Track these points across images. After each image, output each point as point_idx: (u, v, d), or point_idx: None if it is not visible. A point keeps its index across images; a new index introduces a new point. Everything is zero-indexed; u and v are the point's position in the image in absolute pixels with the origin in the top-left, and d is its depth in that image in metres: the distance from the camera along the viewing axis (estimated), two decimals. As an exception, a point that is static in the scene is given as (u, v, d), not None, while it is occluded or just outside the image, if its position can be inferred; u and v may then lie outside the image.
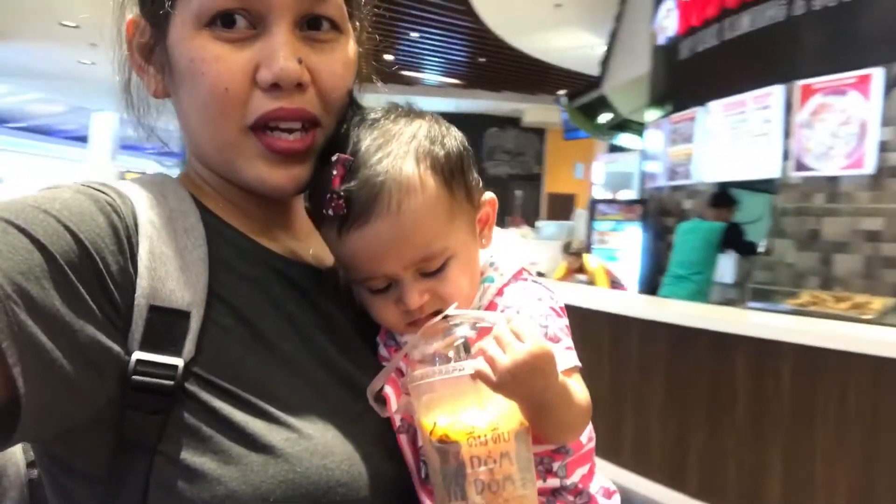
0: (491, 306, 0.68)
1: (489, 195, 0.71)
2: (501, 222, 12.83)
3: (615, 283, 6.19)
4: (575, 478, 0.64)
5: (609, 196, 9.46)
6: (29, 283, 0.47)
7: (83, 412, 0.51)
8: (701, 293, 4.93)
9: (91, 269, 0.52)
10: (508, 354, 0.54)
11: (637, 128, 8.46)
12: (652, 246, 6.46)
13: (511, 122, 16.90)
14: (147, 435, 0.52)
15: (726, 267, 5.21)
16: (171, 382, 0.53)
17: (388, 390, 0.62)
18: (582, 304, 3.95)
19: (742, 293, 4.66)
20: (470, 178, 0.67)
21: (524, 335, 0.55)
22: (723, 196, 5.15)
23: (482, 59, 12.34)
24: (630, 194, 8.56)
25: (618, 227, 7.04)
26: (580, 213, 8.26)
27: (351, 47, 0.65)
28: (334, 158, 0.61)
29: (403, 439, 0.63)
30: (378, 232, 0.60)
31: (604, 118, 9.63)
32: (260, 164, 0.61)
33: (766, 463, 2.93)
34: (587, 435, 0.66)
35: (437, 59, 12.98)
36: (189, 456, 0.53)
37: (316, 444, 0.56)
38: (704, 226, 5.03)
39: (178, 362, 0.53)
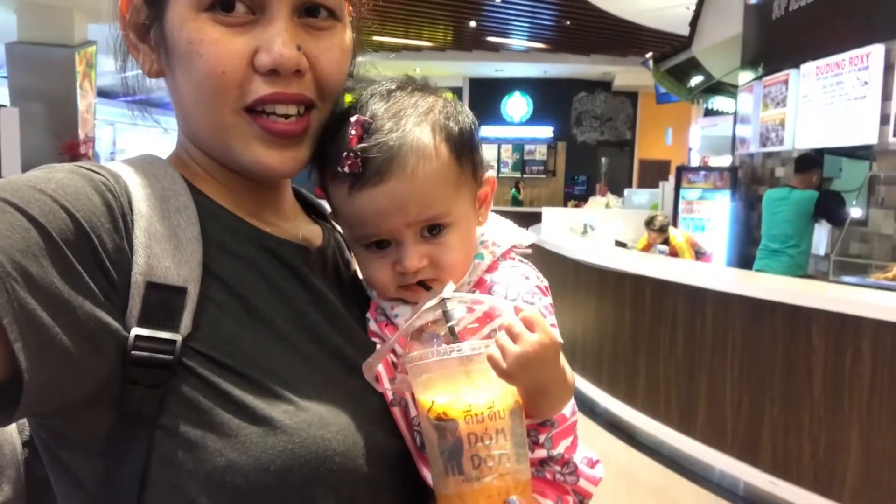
0: (480, 282, 0.71)
1: (490, 174, 0.74)
2: (592, 190, 12.53)
3: (700, 255, 6.03)
4: (560, 449, 0.67)
5: (705, 162, 9.12)
6: (28, 261, 0.48)
7: (83, 387, 0.52)
8: (798, 266, 4.70)
9: (87, 248, 0.52)
10: (519, 345, 0.57)
11: (731, 91, 8.08)
12: (742, 216, 6.23)
13: (601, 85, 16.41)
14: (147, 409, 0.54)
15: (819, 238, 4.97)
16: (171, 357, 0.54)
17: (380, 367, 0.64)
18: (657, 275, 3.93)
19: (829, 266, 4.45)
20: (477, 155, 0.71)
21: (535, 324, 0.58)
22: (806, 159, 4.84)
23: (568, 22, 12.04)
24: (728, 160, 8.23)
25: (706, 195, 6.81)
26: (664, 183, 8.00)
27: (347, 35, 0.66)
28: (353, 119, 0.63)
29: (397, 412, 0.66)
30: (391, 191, 0.63)
31: (695, 81, 9.23)
32: (256, 145, 0.62)
33: (844, 441, 2.87)
34: (570, 408, 0.69)
35: (522, 24, 12.78)
36: (189, 429, 0.54)
37: (312, 415, 0.57)
38: (796, 195, 4.74)
39: (177, 337, 0.55)
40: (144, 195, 0.58)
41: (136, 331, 0.54)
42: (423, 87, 0.71)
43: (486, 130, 16.68)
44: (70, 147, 7.03)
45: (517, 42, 14.12)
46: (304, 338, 0.63)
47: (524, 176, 16.74)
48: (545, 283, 0.73)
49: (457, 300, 0.61)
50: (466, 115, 0.71)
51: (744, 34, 6.44)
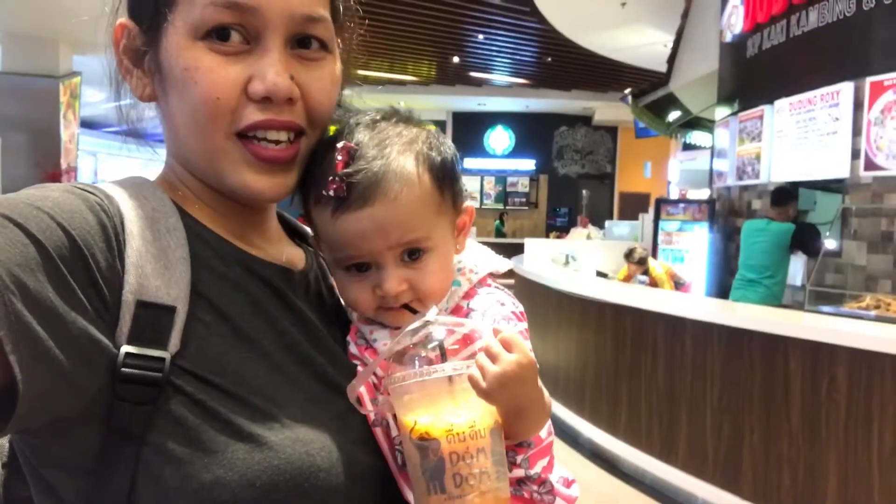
0: (457, 309, 0.73)
1: (469, 205, 0.77)
2: (574, 222, 12.53)
3: (679, 285, 6.11)
4: (537, 468, 0.68)
5: (683, 195, 9.28)
6: (25, 275, 0.49)
7: (74, 402, 0.53)
8: (774, 297, 4.76)
9: (81, 265, 0.53)
10: (498, 364, 0.58)
11: (708, 125, 8.28)
12: (721, 247, 6.34)
13: (582, 120, 16.72)
14: (135, 426, 0.54)
15: (795, 269, 5.07)
16: (159, 374, 0.55)
17: (362, 389, 0.66)
18: (638, 305, 3.98)
19: (805, 296, 4.54)
20: (457, 184, 0.73)
21: (513, 345, 0.59)
22: (782, 192, 4.94)
23: (549, 59, 12.32)
24: (707, 193, 8.39)
25: (685, 227, 6.93)
26: (643, 215, 8.12)
27: (337, 66, 0.69)
28: (339, 145, 0.65)
29: (378, 432, 0.67)
30: (373, 214, 0.65)
31: (673, 116, 9.45)
32: (245, 170, 0.64)
33: (822, 468, 2.90)
34: (546, 430, 0.70)
35: (504, 60, 13.04)
36: (176, 445, 0.55)
37: (297, 432, 0.59)
38: (774, 226, 4.83)
39: (165, 355, 0.56)
40: (135, 216, 0.60)
41: (125, 348, 0.55)
42: (407, 118, 0.73)
43: (469, 163, 16.85)
44: (52, 177, 7.01)
45: (499, 77, 14.38)
46: (289, 358, 0.64)
47: (507, 207, 16.89)
48: (520, 308, 0.75)
49: (439, 323, 0.63)
50: (448, 147, 0.73)
51: (720, 71, 6.63)
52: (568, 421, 4.65)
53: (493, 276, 0.78)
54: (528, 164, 16.98)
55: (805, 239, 4.74)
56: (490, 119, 16.93)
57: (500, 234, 15.69)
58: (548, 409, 0.68)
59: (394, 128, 0.70)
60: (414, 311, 0.69)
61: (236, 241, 0.68)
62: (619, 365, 4.16)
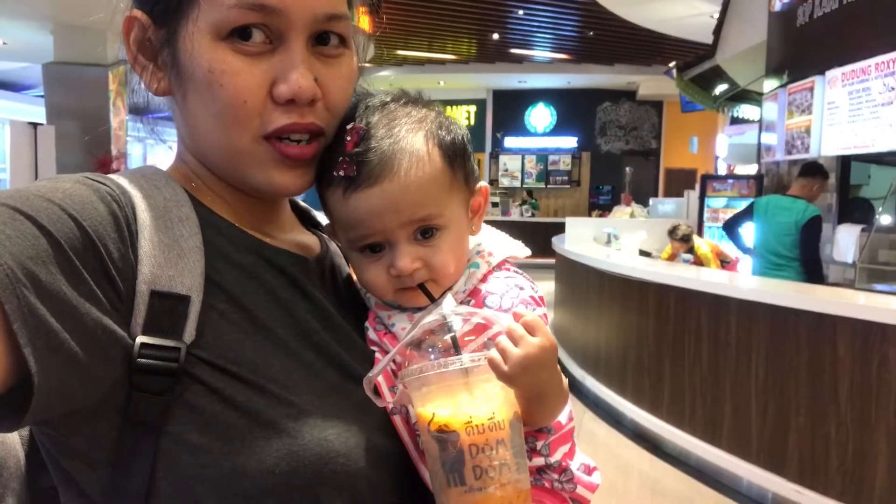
0: (474, 292, 0.73)
1: (483, 184, 0.76)
2: (617, 200, 12.35)
3: (725, 264, 5.98)
4: (557, 456, 0.68)
5: (731, 171, 9.04)
6: (37, 268, 0.49)
7: (90, 394, 0.53)
8: (801, 281, 4.43)
9: (94, 256, 0.53)
10: (521, 347, 0.58)
11: (757, 99, 8.01)
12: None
13: (626, 95, 16.34)
14: (153, 416, 0.55)
15: (847, 246, 4.91)
16: (175, 364, 0.55)
17: (380, 379, 0.66)
18: (681, 284, 3.92)
19: (856, 274, 4.38)
20: (469, 165, 0.73)
21: (536, 328, 0.59)
22: (814, 167, 4.60)
23: (591, 33, 12.07)
24: (755, 168, 8.14)
25: (731, 203, 6.76)
26: (688, 192, 7.93)
27: (354, 61, 0.69)
28: (349, 127, 0.66)
29: (397, 420, 0.67)
30: (384, 192, 0.65)
31: (719, 89, 9.17)
32: (271, 169, 0.65)
33: (871, 449, 2.84)
34: (566, 415, 0.70)
35: (545, 35, 12.82)
36: (194, 435, 0.55)
37: (315, 419, 0.59)
38: (800, 205, 4.45)
39: (181, 345, 0.56)
40: (147, 206, 0.60)
41: (141, 339, 0.55)
42: (416, 99, 0.73)
43: (510, 142, 16.72)
44: (103, 163, 7.22)
45: (540, 53, 14.16)
46: (305, 345, 0.64)
47: (549, 186, 16.71)
48: (539, 293, 0.75)
49: (454, 314, 0.63)
50: (458, 127, 0.74)
51: (768, 42, 6.40)
52: (610, 402, 4.63)
53: (511, 261, 0.78)
54: (570, 142, 16.73)
55: (811, 234, 4.40)
56: (531, 96, 16.71)
57: (535, 208, 15.52)
58: (566, 394, 0.68)
59: (403, 108, 0.70)
60: (429, 293, 0.69)
61: (250, 231, 0.69)
62: (663, 345, 4.12)
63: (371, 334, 0.73)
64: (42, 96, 8.06)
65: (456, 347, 0.61)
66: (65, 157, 6.91)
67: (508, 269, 0.76)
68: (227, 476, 0.55)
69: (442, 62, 14.68)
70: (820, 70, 5.20)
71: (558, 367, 0.64)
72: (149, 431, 0.55)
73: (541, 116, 16.91)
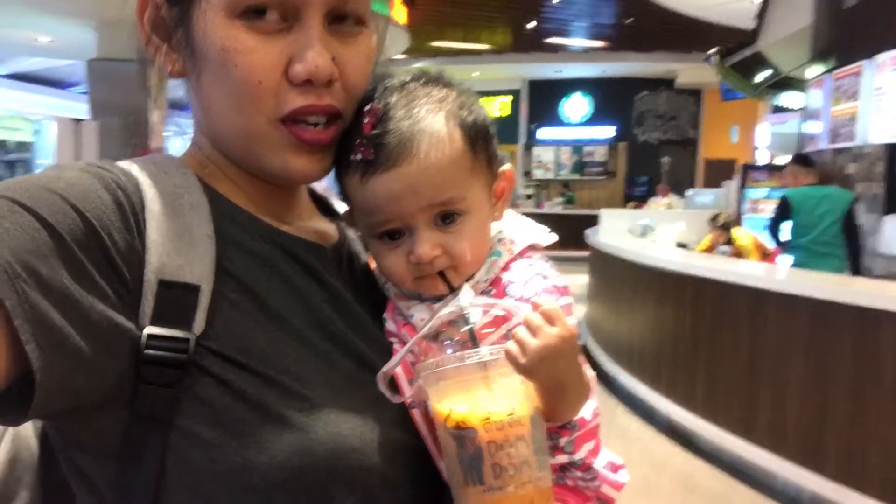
0: (496, 281, 0.70)
1: (507, 168, 0.73)
2: (651, 191, 12.23)
3: (767, 256, 5.83)
4: (582, 453, 0.65)
5: (771, 161, 8.81)
6: (38, 262, 0.48)
7: (96, 388, 0.52)
8: (844, 269, 4.52)
9: (98, 247, 0.52)
10: (539, 338, 0.56)
11: (800, 86, 7.78)
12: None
13: (664, 83, 16.03)
14: (161, 409, 0.53)
15: (892, 236, 4.73)
16: (184, 355, 0.54)
17: (399, 370, 0.63)
18: (718, 277, 3.83)
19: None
20: (491, 147, 0.70)
21: (555, 318, 0.57)
22: (806, 158, 4.75)
23: (629, 20, 11.85)
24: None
25: (773, 194, 6.57)
26: (728, 183, 7.75)
27: (373, 40, 0.66)
28: (366, 108, 0.64)
29: (416, 413, 0.64)
30: (403, 174, 0.63)
31: (761, 76, 8.93)
32: (288, 153, 0.62)
33: (916, 449, 2.74)
34: (592, 410, 0.67)
35: (581, 24, 12.65)
36: (204, 429, 0.54)
37: (328, 412, 0.57)
38: (837, 193, 4.59)
39: (190, 336, 0.54)
40: (156, 192, 0.58)
41: (149, 329, 0.53)
42: (436, 79, 0.69)
43: (544, 133, 16.56)
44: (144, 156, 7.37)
45: (577, 42, 13.98)
46: (320, 336, 0.62)
47: (583, 178, 16.51)
48: (563, 282, 0.72)
49: (472, 305, 0.61)
50: (481, 108, 0.70)
51: (813, 26, 6.19)
52: (643, 396, 4.57)
53: (535, 248, 0.75)
54: (607, 132, 16.48)
55: (857, 218, 4.50)
56: (567, 86, 16.49)
57: (570, 201, 15.37)
58: (588, 387, 0.65)
59: (423, 88, 0.67)
60: (448, 282, 0.66)
61: (266, 218, 0.67)
62: (698, 339, 4.04)
63: (389, 325, 0.71)
64: (85, 93, 8.26)
65: (473, 340, 0.59)
66: (107, 152, 7.09)
67: (531, 258, 0.73)
68: (236, 471, 0.54)
69: (477, 52, 14.60)
70: (868, 54, 5.02)
71: (580, 359, 0.61)
72: (157, 425, 0.54)
73: (576, 106, 16.69)
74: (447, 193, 0.65)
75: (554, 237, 0.77)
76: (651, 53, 14.30)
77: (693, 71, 14.18)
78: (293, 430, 0.55)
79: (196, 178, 0.63)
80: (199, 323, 0.56)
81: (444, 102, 0.67)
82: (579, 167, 16.61)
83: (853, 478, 2.96)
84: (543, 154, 16.60)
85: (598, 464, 0.67)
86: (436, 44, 13.15)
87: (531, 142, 16.63)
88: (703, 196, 8.72)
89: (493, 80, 16.02)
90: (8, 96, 12.27)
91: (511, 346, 0.57)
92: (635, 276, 4.92)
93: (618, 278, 5.40)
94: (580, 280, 6.93)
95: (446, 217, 0.66)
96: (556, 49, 14.45)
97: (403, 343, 0.67)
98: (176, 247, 0.57)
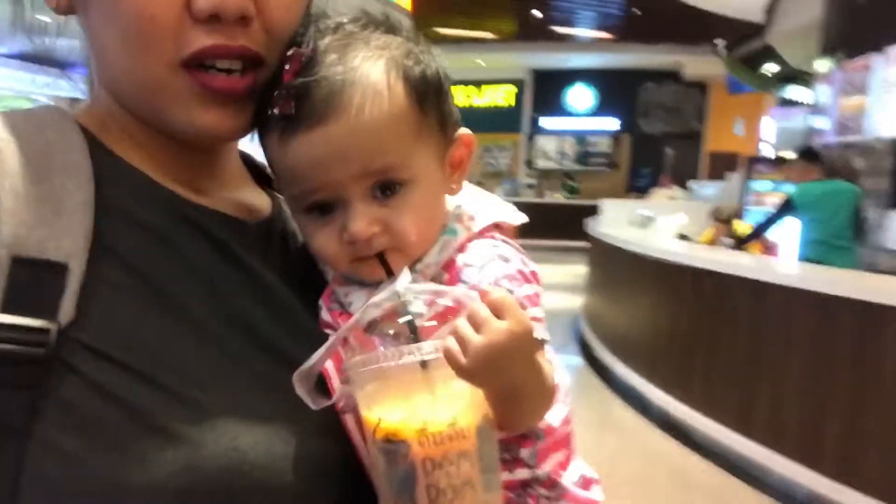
0: (450, 264, 0.59)
1: (466, 132, 0.62)
2: (653, 182, 12.20)
3: (768, 250, 5.76)
4: (547, 466, 0.57)
5: (777, 154, 8.72)
6: None
7: None
8: (856, 262, 4.52)
9: None
10: (484, 334, 0.46)
11: (808, 80, 7.68)
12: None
13: (670, 76, 15.92)
14: (14, 415, 0.44)
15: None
16: (43, 350, 0.44)
17: (330, 369, 0.53)
18: (718, 269, 3.77)
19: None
20: (445, 106, 0.60)
21: (504, 310, 0.46)
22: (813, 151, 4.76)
23: (636, 11, 11.73)
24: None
25: (778, 187, 6.50)
26: (731, 175, 7.69)
27: None
28: (290, 52, 0.53)
29: (350, 419, 0.54)
30: (329, 135, 0.52)
31: (769, 69, 8.82)
32: (192, 105, 0.53)
33: (917, 448, 2.67)
34: (561, 417, 0.58)
35: (587, 13, 12.52)
36: (68, 439, 0.44)
37: (226, 421, 0.48)
38: (846, 186, 4.62)
39: (52, 326, 0.45)
40: (15, 150, 0.48)
41: None
42: (381, 21, 0.58)
43: (548, 122, 16.47)
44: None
45: (583, 32, 13.85)
46: (227, 328, 0.53)
47: (586, 168, 16.42)
48: (531, 268, 0.61)
49: (413, 293, 0.50)
50: (434, 59, 0.59)
51: (823, 18, 6.09)
52: (641, 389, 4.52)
53: (501, 229, 0.64)
54: (610, 123, 16.39)
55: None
56: (571, 76, 16.38)
57: (573, 191, 15.32)
58: (551, 391, 0.54)
59: (363, 32, 0.56)
60: (387, 266, 0.56)
61: (172, 185, 0.56)
62: (696, 331, 3.98)
63: (324, 314, 0.61)
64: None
65: (414, 334, 0.49)
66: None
67: (494, 237, 0.62)
68: (106, 491, 0.44)
69: (482, 41, 14.47)
70: (878, 47, 4.92)
71: (538, 357, 0.51)
72: (11, 435, 0.44)
73: (581, 97, 16.59)
74: (384, 159, 0.55)
75: (523, 217, 0.66)
76: (658, 45, 14.17)
77: (700, 64, 14.05)
78: (179, 444, 0.46)
79: (81, 136, 0.53)
80: (67, 310, 0.46)
81: (386, 49, 0.56)
82: (583, 158, 16.52)
83: (850, 475, 2.91)
84: (546, 144, 16.50)
85: (568, 479, 0.58)
86: (440, 30, 13.04)
87: (535, 131, 16.54)
88: (707, 188, 8.65)
89: (497, 69, 15.91)
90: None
91: (450, 342, 0.46)
92: (634, 267, 4.86)
93: (617, 269, 5.35)
94: (580, 271, 6.88)
95: (386, 188, 0.56)
96: (561, 38, 14.33)
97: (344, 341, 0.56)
98: (37, 216, 0.47)
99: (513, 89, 16.61)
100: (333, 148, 0.53)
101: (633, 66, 15.65)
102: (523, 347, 0.48)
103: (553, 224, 12.00)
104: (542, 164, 16.43)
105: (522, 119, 16.54)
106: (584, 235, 6.87)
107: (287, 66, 0.53)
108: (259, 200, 0.65)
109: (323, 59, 0.54)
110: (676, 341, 4.20)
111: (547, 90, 16.34)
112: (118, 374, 0.46)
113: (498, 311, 0.46)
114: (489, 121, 15.26)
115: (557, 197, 14.68)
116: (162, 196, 0.55)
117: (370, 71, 0.54)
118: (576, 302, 6.91)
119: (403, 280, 0.51)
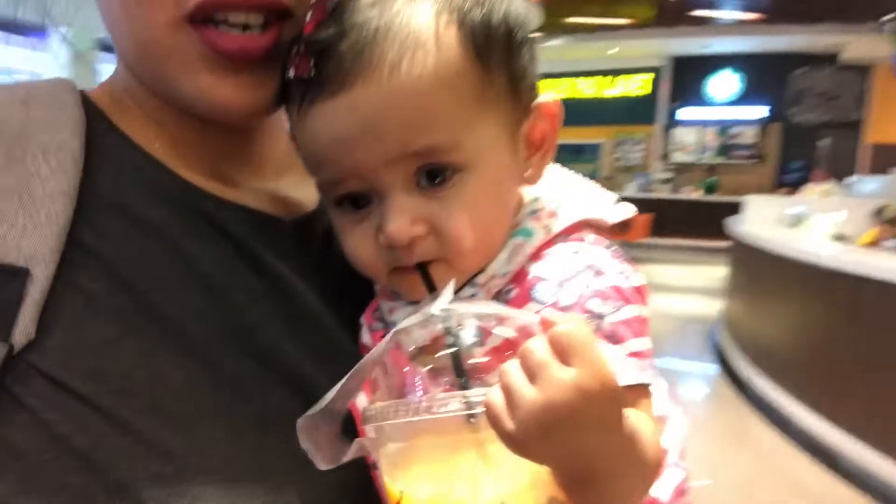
0: (520, 276, 0.46)
1: (548, 98, 0.48)
2: (805, 177, 11.37)
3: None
4: None
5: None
6: None
7: None
8: None
9: None
10: (540, 388, 0.33)
11: None
12: None
13: (826, 59, 14.63)
14: None
15: None
16: None
17: (363, 403, 0.40)
18: (882, 276, 3.37)
19: None
20: (521, 62, 0.45)
21: (573, 351, 0.33)
22: None
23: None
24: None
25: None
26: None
27: None
28: (314, 0, 0.43)
29: (382, 477, 0.41)
30: (356, 105, 0.40)
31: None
32: (202, 71, 0.43)
33: None
34: (673, 487, 0.44)
35: (733, -5, 11.73)
36: (8, 491, 0.36)
37: (204, 479, 0.38)
38: None
39: (2, 348, 0.37)
40: None
41: None
42: None
43: (685, 113, 15.66)
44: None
45: (727, 14, 13.01)
46: (231, 349, 0.42)
47: (727, 162, 15.46)
48: (635, 282, 0.46)
49: (458, 314, 0.37)
50: (511, 2, 0.45)
51: None
52: (783, 405, 4.15)
53: (593, 227, 0.49)
54: (757, 112, 15.31)
55: None
56: (714, 63, 15.46)
57: (710, 188, 14.45)
58: (655, 461, 0.39)
59: None
60: (429, 279, 0.43)
61: (195, 175, 0.47)
62: (853, 345, 3.59)
63: (364, 334, 0.49)
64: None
65: (460, 373, 0.36)
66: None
67: (582, 241, 0.47)
68: None
69: (615, 28, 13.98)
70: None
71: (633, 417, 0.36)
72: None
73: (724, 84, 15.65)
74: (431, 136, 0.41)
75: (627, 211, 0.50)
76: (813, 25, 13.04)
77: (862, 45, 12.81)
78: None
79: (81, 113, 0.45)
80: (25, 327, 0.37)
81: None
82: (725, 150, 15.57)
83: None
84: (685, 136, 15.70)
85: None
86: (571, 20, 12.73)
87: (671, 122, 15.80)
88: (868, 184, 7.83)
89: (631, 58, 15.39)
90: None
91: (494, 397, 0.33)
92: (782, 271, 4.48)
93: (761, 272, 4.98)
94: (718, 273, 6.49)
95: (434, 175, 0.43)
96: (702, 22, 13.55)
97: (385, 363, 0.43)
98: None
99: (649, 78, 15.98)
100: (361, 120, 0.40)
101: (784, 49, 14.55)
102: (601, 408, 0.33)
103: (690, 222, 11.43)
104: (679, 157, 15.68)
105: (657, 110, 15.90)
106: (724, 234, 6.49)
107: (309, 16, 0.41)
108: (304, 193, 0.54)
109: (356, 3, 0.42)
110: (829, 356, 3.82)
111: (686, 78, 15.60)
112: (77, 411, 0.37)
113: (564, 353, 0.33)
114: (622, 112, 14.84)
115: (697, 192, 13.94)
116: (173, 186, 0.46)
117: (413, 16, 0.41)
118: (713, 307, 6.54)
119: (443, 299, 0.38)
